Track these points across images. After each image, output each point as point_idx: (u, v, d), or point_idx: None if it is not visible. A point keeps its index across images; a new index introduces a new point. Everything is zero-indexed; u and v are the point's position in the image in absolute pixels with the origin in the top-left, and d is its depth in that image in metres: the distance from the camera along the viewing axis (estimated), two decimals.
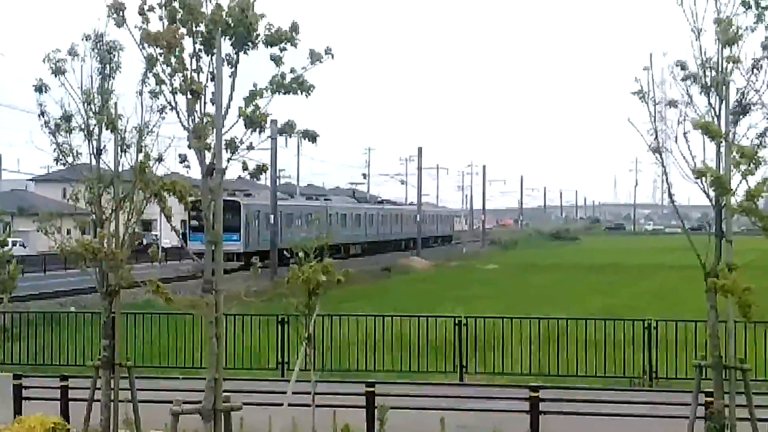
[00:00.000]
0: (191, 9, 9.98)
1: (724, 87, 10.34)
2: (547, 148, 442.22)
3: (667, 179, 10.86)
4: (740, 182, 10.13)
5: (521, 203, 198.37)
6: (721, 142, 10.27)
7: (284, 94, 10.29)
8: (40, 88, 12.23)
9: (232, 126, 10.23)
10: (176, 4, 10.04)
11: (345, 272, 13.63)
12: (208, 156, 10.18)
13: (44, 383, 18.77)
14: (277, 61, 10.29)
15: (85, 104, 12.12)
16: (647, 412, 16.51)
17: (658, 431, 15.53)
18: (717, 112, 10.37)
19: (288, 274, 13.30)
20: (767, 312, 13.19)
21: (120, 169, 12.18)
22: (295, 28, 10.29)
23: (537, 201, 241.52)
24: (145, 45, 10.19)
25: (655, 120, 10.54)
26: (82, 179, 12.35)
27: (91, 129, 12.16)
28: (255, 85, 10.25)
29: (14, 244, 73.19)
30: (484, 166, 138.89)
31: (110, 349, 12.36)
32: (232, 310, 20.21)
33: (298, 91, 10.36)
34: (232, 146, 10.28)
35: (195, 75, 10.09)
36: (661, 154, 10.64)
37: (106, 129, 12.17)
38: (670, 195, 11.35)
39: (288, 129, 10.77)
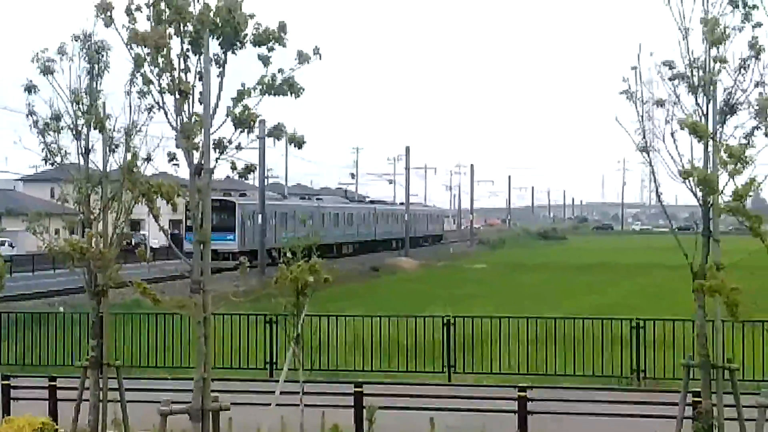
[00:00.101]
0: (179, 9, 9.98)
1: (711, 86, 10.37)
2: (535, 148, 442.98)
3: (654, 179, 10.89)
4: (727, 182, 10.15)
5: (509, 203, 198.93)
6: (709, 141, 10.29)
7: (274, 95, 10.29)
8: (29, 89, 12.20)
9: (221, 126, 10.24)
10: (163, 5, 10.03)
11: (329, 271, 13.61)
12: (197, 155, 10.18)
13: (33, 383, 18.74)
14: (265, 61, 10.29)
15: (74, 104, 12.08)
16: (635, 411, 16.52)
17: (646, 431, 15.56)
18: (704, 112, 10.39)
19: (276, 273, 13.30)
20: (755, 312, 13.23)
21: (108, 169, 12.15)
22: (283, 27, 10.29)
23: (525, 201, 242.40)
24: (133, 45, 10.19)
25: (642, 119, 10.57)
26: (71, 179, 12.32)
27: (79, 129, 12.12)
28: (243, 85, 10.26)
29: (2, 243, 73.44)
30: (471, 166, 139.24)
31: (98, 349, 12.32)
32: (220, 310, 20.17)
33: (288, 93, 10.37)
34: (221, 146, 10.28)
35: (183, 75, 10.09)
36: (648, 154, 10.67)
37: (95, 129, 12.12)
38: (658, 194, 11.34)
39: (276, 132, 10.76)
